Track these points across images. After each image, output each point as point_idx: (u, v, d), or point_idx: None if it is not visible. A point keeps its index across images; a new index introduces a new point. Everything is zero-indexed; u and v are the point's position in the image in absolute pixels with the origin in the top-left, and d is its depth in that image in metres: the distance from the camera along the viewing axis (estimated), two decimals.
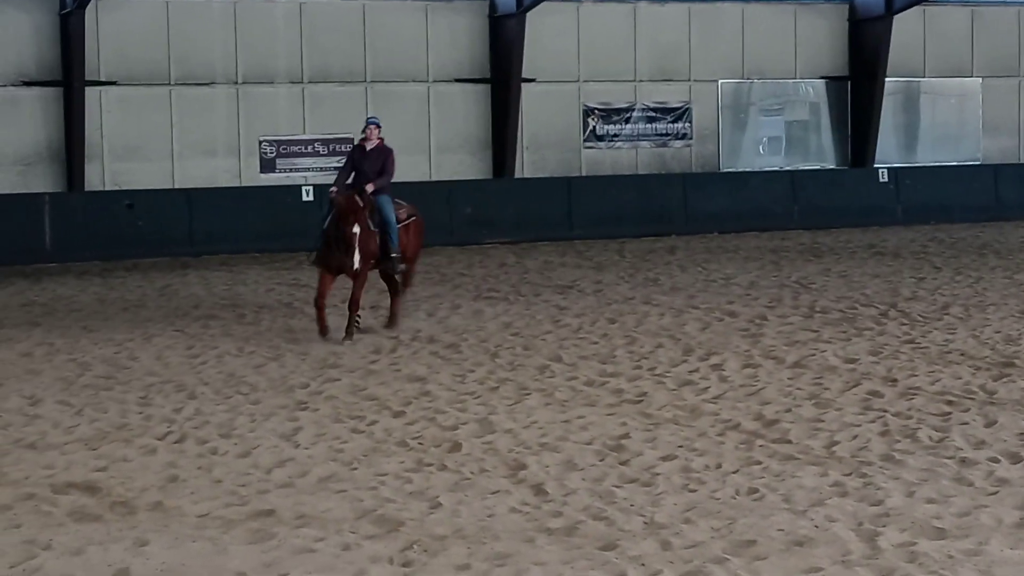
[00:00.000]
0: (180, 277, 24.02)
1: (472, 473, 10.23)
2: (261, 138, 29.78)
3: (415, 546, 8.46)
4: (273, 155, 29.90)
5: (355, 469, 10.41)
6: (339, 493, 9.72)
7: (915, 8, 33.97)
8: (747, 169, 33.86)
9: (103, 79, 28.65)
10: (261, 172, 29.86)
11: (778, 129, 34.77)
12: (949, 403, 12.32)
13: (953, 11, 35.56)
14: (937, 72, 35.67)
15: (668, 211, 31.47)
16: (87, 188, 28.30)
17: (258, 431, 11.76)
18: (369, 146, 16.74)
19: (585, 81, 32.55)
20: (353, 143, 17.42)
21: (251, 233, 27.91)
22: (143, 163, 29.01)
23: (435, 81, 31.25)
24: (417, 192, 29.64)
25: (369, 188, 16.44)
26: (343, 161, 17.40)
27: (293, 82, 30.09)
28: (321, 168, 29.84)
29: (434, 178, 30.89)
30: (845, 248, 27.50)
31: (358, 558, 8.27)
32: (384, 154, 16.75)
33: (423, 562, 8.19)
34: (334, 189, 16.54)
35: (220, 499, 9.61)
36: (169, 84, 29.21)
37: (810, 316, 17.94)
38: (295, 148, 30.07)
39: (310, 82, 30.20)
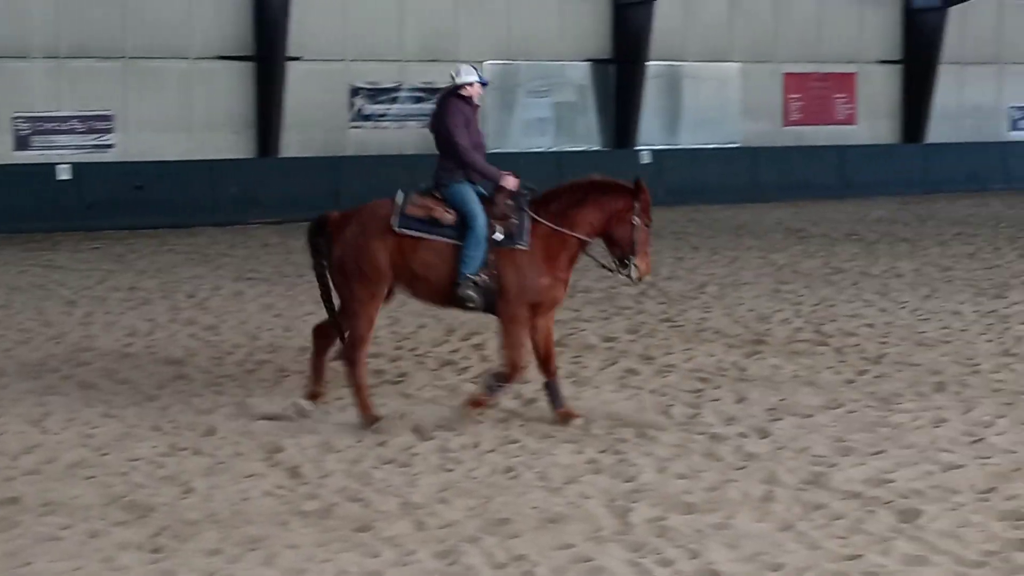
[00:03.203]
0: None
1: (227, 457, 10.07)
2: (15, 114, 28.81)
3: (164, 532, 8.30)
4: (28, 132, 28.96)
5: (106, 455, 10.16)
6: (88, 479, 9.48)
7: None
8: (514, 150, 34.03)
9: None
10: (15, 150, 28.86)
11: (546, 111, 35.06)
12: (702, 380, 12.59)
13: None
14: (698, 56, 36.39)
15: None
16: None
17: (5, 417, 11.38)
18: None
19: (352, 60, 32.32)
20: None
21: (3, 213, 26.97)
22: None
23: (198, 58, 30.64)
24: (178, 171, 29.28)
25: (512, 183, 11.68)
26: (454, 117, 11.36)
27: (49, 56, 29.15)
28: (78, 146, 29.00)
29: (196, 157, 30.28)
30: None
31: (106, 545, 8.08)
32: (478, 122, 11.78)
33: (173, 548, 8.03)
34: (508, 173, 11.76)
35: None
36: None
37: (571, 295, 18.11)
38: (50, 125, 29.15)
39: (67, 57, 29.31)
